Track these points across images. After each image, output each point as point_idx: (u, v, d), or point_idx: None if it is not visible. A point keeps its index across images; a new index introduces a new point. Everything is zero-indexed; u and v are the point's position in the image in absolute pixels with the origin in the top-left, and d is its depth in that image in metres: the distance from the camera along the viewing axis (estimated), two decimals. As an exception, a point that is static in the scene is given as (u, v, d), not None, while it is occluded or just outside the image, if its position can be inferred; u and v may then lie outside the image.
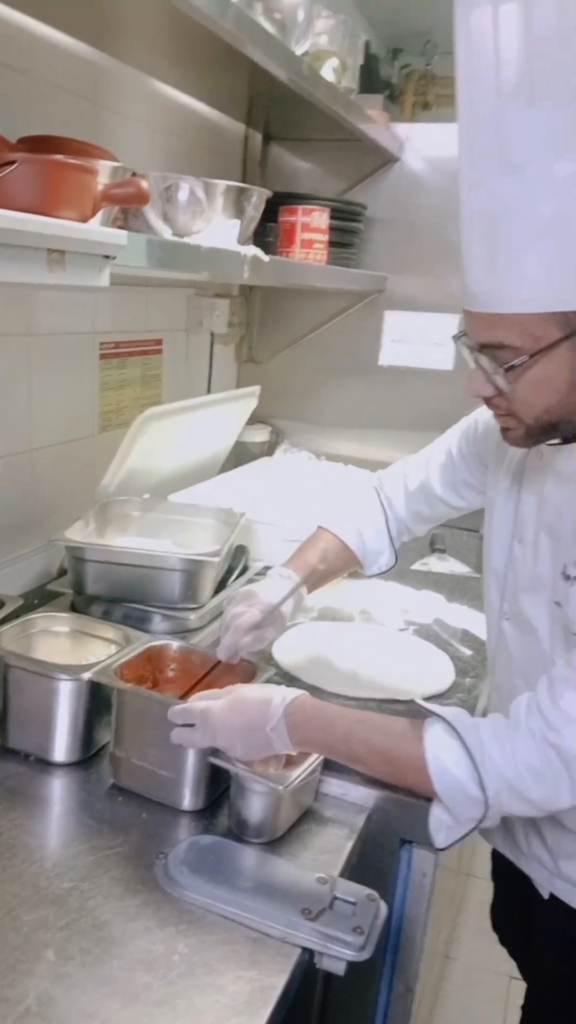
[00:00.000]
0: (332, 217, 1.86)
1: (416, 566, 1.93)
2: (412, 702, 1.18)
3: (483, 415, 1.19)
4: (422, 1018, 1.69)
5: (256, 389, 2.03)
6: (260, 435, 2.34)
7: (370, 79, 2.98)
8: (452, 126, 2.17)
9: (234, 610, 1.13)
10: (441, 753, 0.87)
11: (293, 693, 0.98)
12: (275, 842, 0.99)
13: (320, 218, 1.71)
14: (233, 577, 1.55)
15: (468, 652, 1.48)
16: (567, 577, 0.94)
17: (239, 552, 1.60)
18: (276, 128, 2.21)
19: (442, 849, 0.94)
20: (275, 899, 0.88)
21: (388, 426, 2.34)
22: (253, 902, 0.88)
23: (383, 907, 0.89)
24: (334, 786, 1.09)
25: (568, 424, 0.91)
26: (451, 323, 2.21)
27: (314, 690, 1.28)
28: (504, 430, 0.96)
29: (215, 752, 0.99)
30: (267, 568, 1.70)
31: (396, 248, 2.24)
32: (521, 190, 0.80)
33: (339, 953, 0.84)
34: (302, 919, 0.85)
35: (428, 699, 1.25)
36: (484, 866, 2.39)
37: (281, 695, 0.97)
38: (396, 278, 2.25)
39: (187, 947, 0.83)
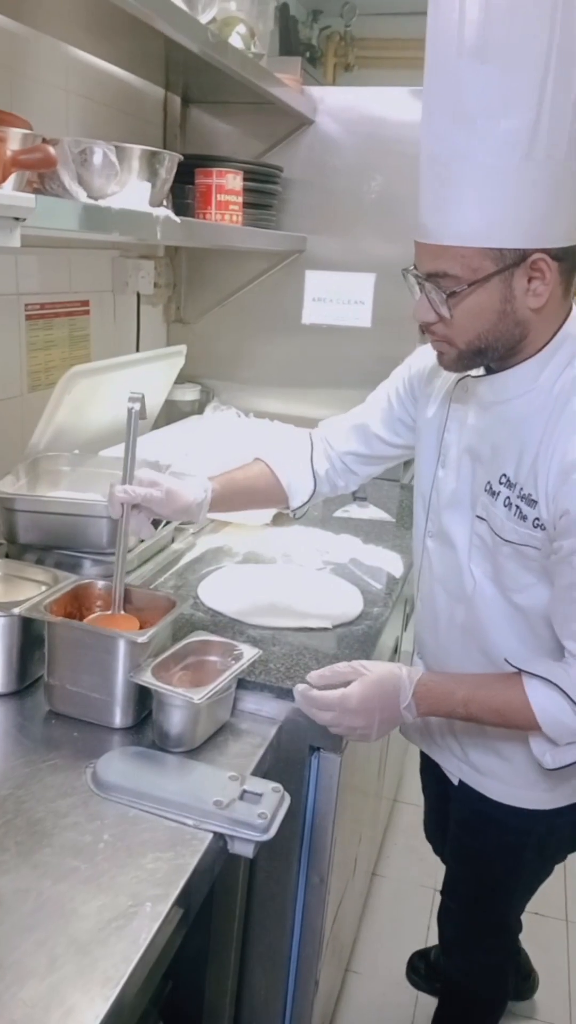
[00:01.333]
0: (248, 179, 1.94)
1: (338, 513, 2.04)
2: (325, 629, 1.37)
3: (414, 360, 1.32)
4: (350, 926, 1.85)
5: (182, 348, 2.11)
6: (190, 394, 2.42)
7: (289, 41, 3.03)
8: (364, 89, 2.25)
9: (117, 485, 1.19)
10: (543, 700, 1.05)
11: (414, 672, 1.12)
12: (194, 751, 1.11)
13: (234, 180, 1.78)
14: (162, 525, 1.65)
15: (378, 586, 1.61)
16: (492, 492, 1.08)
17: (165, 501, 1.69)
18: (195, 92, 2.26)
19: (552, 769, 1.12)
20: (191, 795, 1.00)
21: (312, 383, 2.44)
22: (172, 798, 0.99)
23: (287, 797, 1.01)
24: (249, 702, 1.21)
25: (494, 350, 1.04)
26: (368, 282, 2.31)
27: (235, 622, 1.40)
28: (440, 355, 1.08)
29: (137, 671, 1.09)
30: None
31: (314, 209, 2.32)
32: (469, 139, 0.92)
33: (247, 835, 0.96)
34: (214, 809, 0.97)
35: (338, 626, 1.40)
36: (409, 792, 2.58)
37: (407, 676, 1.10)
38: (315, 239, 2.34)
39: (112, 836, 0.94)
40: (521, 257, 0.95)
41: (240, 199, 1.81)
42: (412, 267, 1.05)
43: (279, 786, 1.02)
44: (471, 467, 1.14)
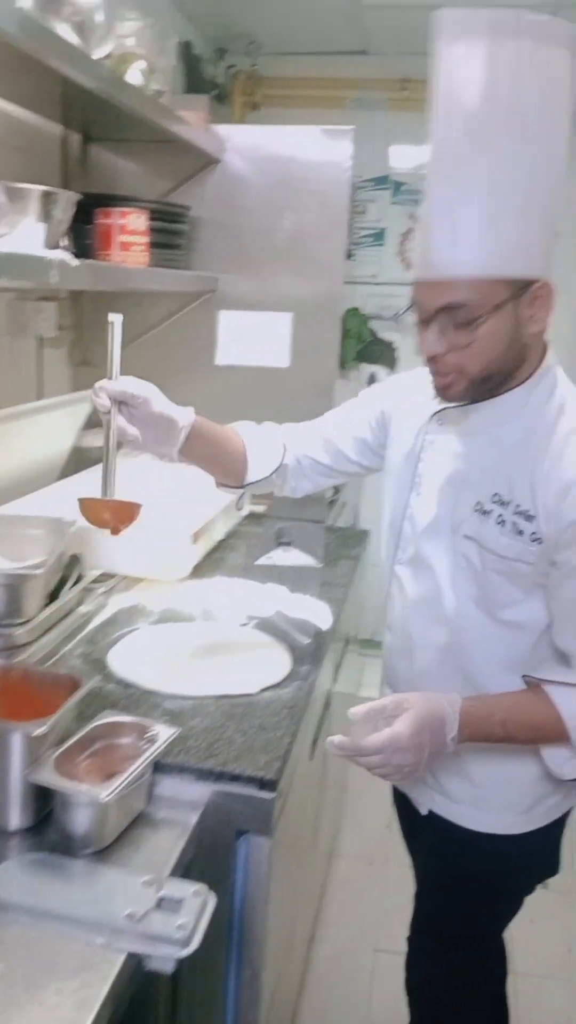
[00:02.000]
0: (154, 218, 1.86)
1: (261, 560, 1.96)
2: (250, 695, 1.30)
3: (386, 397, 1.39)
4: (288, 1003, 1.73)
5: (89, 393, 2.00)
6: (100, 439, 2.30)
7: (194, 79, 2.99)
8: (272, 128, 2.21)
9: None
10: (572, 707, 1.12)
11: (455, 700, 1.13)
12: (104, 851, 0.99)
13: (137, 220, 1.70)
14: (67, 587, 1.53)
15: (306, 640, 1.52)
16: (483, 512, 1.15)
17: (72, 562, 1.57)
18: (96, 129, 2.18)
19: (573, 779, 1.19)
20: (100, 907, 0.88)
21: (230, 423, 2.36)
22: (78, 914, 0.87)
23: (211, 899, 0.90)
24: (167, 787, 1.10)
25: (499, 376, 1.11)
26: (284, 321, 2.26)
27: (151, 694, 1.29)
28: (446, 387, 1.13)
29: (36, 766, 0.97)
30: (104, 575, 1.69)
31: (225, 249, 2.26)
32: (490, 168, 1.01)
33: (165, 952, 0.85)
34: (127, 924, 0.86)
35: (265, 690, 1.31)
36: (347, 844, 2.48)
37: (449, 705, 1.12)
38: (227, 278, 2.27)
39: (7, 966, 0.82)
40: (526, 285, 1.05)
41: (145, 239, 1.73)
42: (410, 308, 1.12)
43: (201, 888, 0.91)
44: (454, 492, 1.20)
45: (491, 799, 1.26)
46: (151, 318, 2.33)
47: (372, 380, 3.61)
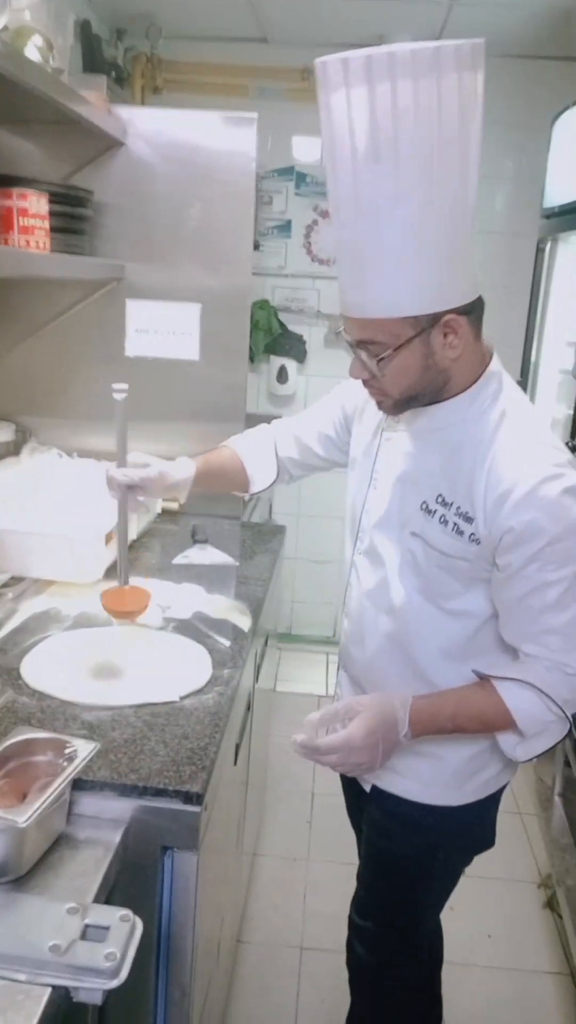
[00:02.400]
0: (55, 202, 1.76)
1: (177, 559, 1.90)
2: (172, 702, 1.27)
3: (348, 396, 1.45)
4: (218, 1004, 1.69)
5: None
6: (3, 434, 2.20)
7: (93, 60, 2.88)
8: (176, 112, 2.15)
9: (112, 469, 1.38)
10: (517, 701, 1.16)
11: (405, 699, 1.18)
12: (23, 879, 0.93)
13: (38, 203, 1.61)
14: (-27, 593, 1.44)
15: (226, 643, 1.48)
16: (428, 511, 1.19)
17: (-22, 566, 1.49)
18: (-9, 107, 2.06)
19: (524, 761, 1.24)
20: (22, 941, 0.82)
21: (140, 417, 2.25)
22: (-4, 950, 0.81)
23: (138, 925, 0.86)
24: (88, 805, 1.04)
25: (423, 396, 1.17)
26: (193, 312, 2.20)
27: (67, 705, 1.22)
28: (378, 403, 1.21)
29: (-55, 794, 0.90)
30: (12, 579, 1.60)
31: (131, 236, 2.18)
32: (373, 227, 1.04)
33: (93, 984, 0.80)
34: (51, 957, 0.80)
35: (186, 696, 1.26)
36: (269, 844, 2.46)
37: (400, 705, 1.17)
38: (134, 266, 2.19)
39: None
40: (434, 319, 1.08)
41: (46, 224, 1.64)
42: (342, 330, 1.17)
43: (128, 913, 0.86)
44: (403, 490, 1.24)
45: (429, 772, 1.31)
46: (56, 307, 2.23)
47: (282, 373, 3.58)
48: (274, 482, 1.57)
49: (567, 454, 1.14)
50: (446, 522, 1.17)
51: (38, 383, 2.27)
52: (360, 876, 1.51)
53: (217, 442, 2.30)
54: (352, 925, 1.53)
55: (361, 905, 1.51)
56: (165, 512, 2.20)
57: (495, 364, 1.19)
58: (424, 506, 1.20)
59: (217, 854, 1.34)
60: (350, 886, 1.53)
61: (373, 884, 1.48)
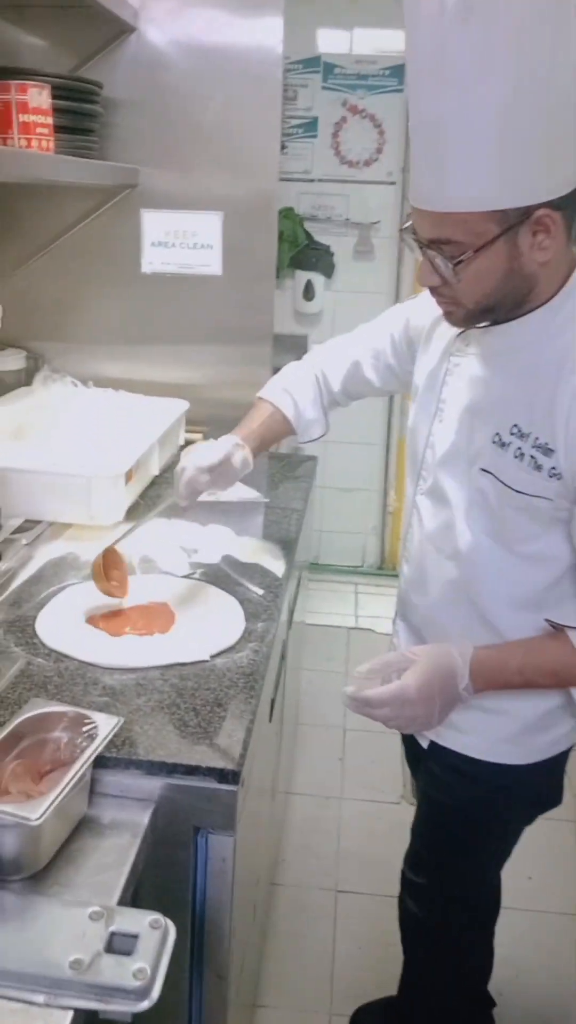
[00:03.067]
0: (60, 97, 1.57)
1: (203, 496, 1.76)
2: (203, 662, 1.15)
3: (413, 313, 1.29)
4: (252, 956, 1.64)
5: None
6: (13, 362, 2.05)
7: None
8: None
9: (181, 464, 1.30)
10: None
11: (466, 651, 1.07)
12: (39, 874, 0.83)
13: (40, 96, 1.42)
14: (-18, 539, 1.32)
15: (259, 591, 1.35)
16: (501, 444, 1.04)
17: (-13, 509, 1.36)
18: (-15, -10, 1.83)
19: None
20: (38, 954, 0.72)
21: (158, 340, 2.13)
22: (11, 965, 0.71)
23: (171, 931, 0.76)
24: (111, 784, 0.94)
25: (502, 307, 1.01)
26: (215, 222, 2.00)
27: (87, 668, 1.11)
28: (447, 313, 1.06)
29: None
30: (27, 523, 1.48)
31: (146, 136, 1.97)
32: (458, 103, 0.88)
33: (120, 1006, 0.70)
34: (72, 975, 0.70)
35: (216, 655, 1.15)
36: (301, 782, 2.40)
37: (459, 656, 1.07)
38: (150, 171, 1.99)
39: None
40: (525, 214, 0.92)
41: (50, 120, 1.45)
42: (411, 230, 1.01)
43: (158, 918, 0.76)
44: (471, 421, 1.11)
45: (495, 728, 1.20)
46: (65, 218, 2.04)
47: (308, 289, 3.36)
48: (325, 433, 1.45)
49: None
50: (522, 456, 1.03)
51: (47, 305, 2.10)
52: (415, 830, 1.42)
53: (243, 366, 2.16)
54: (405, 882, 1.45)
55: (416, 861, 1.42)
56: (189, 444, 2.05)
57: None
58: (497, 438, 1.05)
59: (253, 829, 1.25)
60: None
61: (430, 839, 1.39)
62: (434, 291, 1.03)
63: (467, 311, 1.03)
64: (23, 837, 0.79)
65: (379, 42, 3.13)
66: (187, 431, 2.05)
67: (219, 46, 1.91)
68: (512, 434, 1.04)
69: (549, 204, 0.92)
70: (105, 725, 0.90)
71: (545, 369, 1.01)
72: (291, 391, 1.41)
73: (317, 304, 3.39)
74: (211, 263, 2.04)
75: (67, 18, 1.86)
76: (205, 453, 1.29)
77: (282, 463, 2.08)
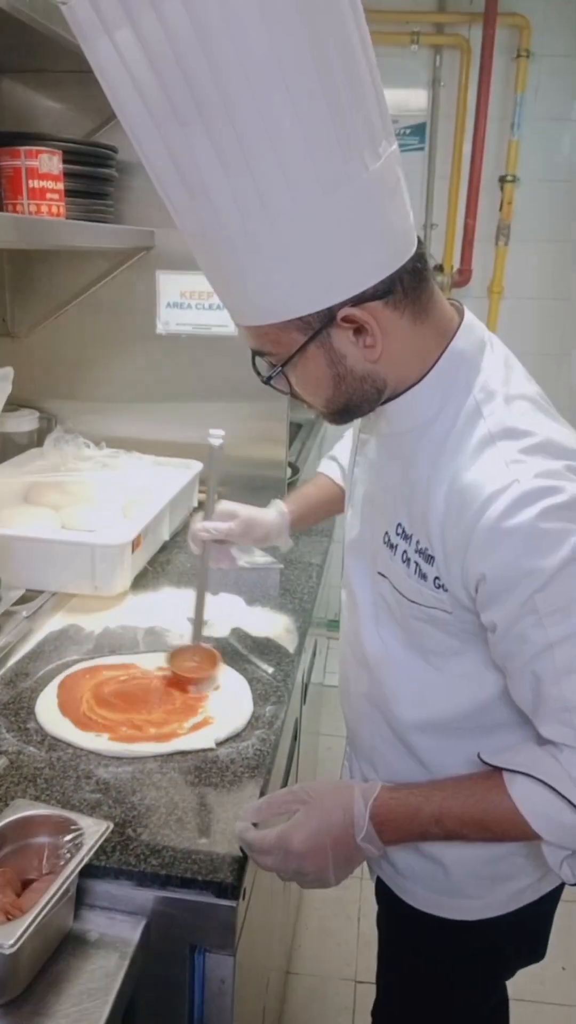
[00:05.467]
0: (73, 162, 1.56)
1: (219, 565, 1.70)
2: (209, 750, 1.07)
3: None
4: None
5: (8, 372, 1.70)
6: (26, 423, 2.02)
7: (122, 5, 2.64)
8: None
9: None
10: (535, 805, 0.83)
11: (368, 790, 0.89)
12: (18, 1000, 0.75)
13: (51, 162, 1.40)
14: None
15: (269, 670, 1.28)
16: (390, 545, 0.92)
17: (-14, 581, 1.31)
18: (6, 59, 1.84)
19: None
20: None
21: (173, 399, 2.09)
22: None
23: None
24: (100, 895, 0.86)
25: (360, 406, 0.88)
26: (231, 282, 1.98)
27: (83, 756, 1.04)
28: (318, 414, 0.94)
29: None
30: (28, 593, 1.42)
31: (161, 199, 1.96)
32: (211, 210, 0.76)
33: None
34: None
35: (222, 743, 1.08)
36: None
37: (360, 797, 0.89)
38: (166, 232, 1.97)
39: None
40: (328, 317, 0.79)
41: (60, 186, 1.44)
42: None
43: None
44: (371, 512, 0.99)
45: (434, 879, 1.02)
46: (80, 280, 2.03)
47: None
48: None
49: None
50: (408, 561, 0.89)
51: (61, 365, 2.08)
52: (377, 979, 1.25)
53: (259, 423, 2.12)
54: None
55: (378, 1009, 1.26)
56: (203, 505, 2.00)
57: (462, 339, 0.86)
58: (387, 538, 0.92)
59: (260, 938, 1.15)
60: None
61: (387, 992, 1.24)
62: (291, 395, 0.92)
63: (324, 413, 0.91)
64: (-4, 965, 0.71)
65: (400, 101, 3.14)
66: (202, 491, 2.00)
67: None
68: (398, 535, 0.91)
69: (359, 299, 0.78)
70: (92, 832, 0.83)
71: (421, 462, 0.87)
72: (336, 456, 1.36)
73: (337, 359, 3.37)
74: (227, 323, 2.00)
75: (85, 83, 1.85)
76: (215, 525, 1.25)
77: (299, 525, 2.02)
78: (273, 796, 0.92)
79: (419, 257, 0.82)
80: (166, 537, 1.72)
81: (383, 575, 0.94)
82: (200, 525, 1.23)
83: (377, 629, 0.98)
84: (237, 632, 1.40)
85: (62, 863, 0.80)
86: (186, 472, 1.87)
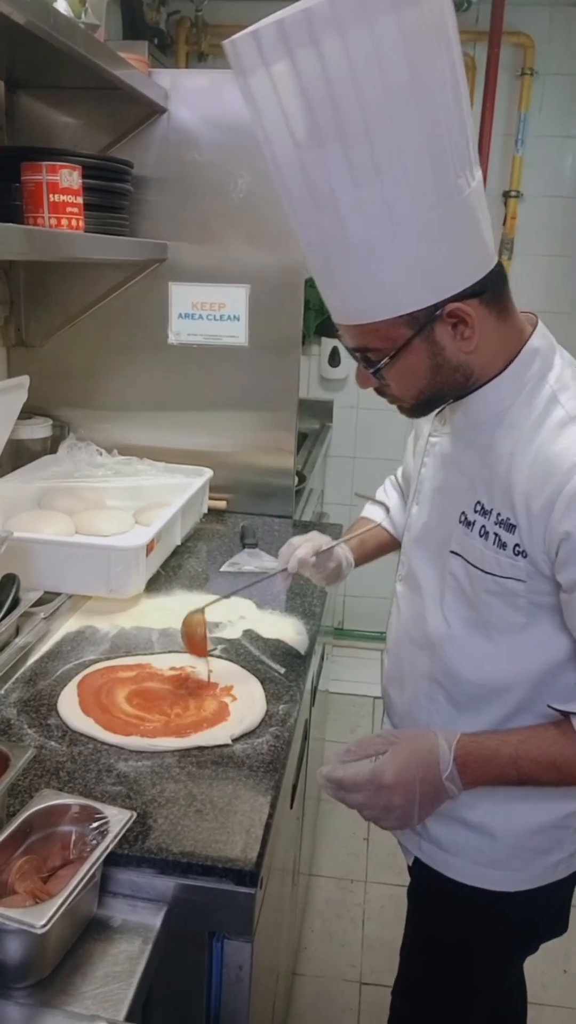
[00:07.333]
0: (90, 177, 1.60)
1: (225, 567, 1.74)
2: (225, 746, 1.11)
3: None
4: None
5: (24, 380, 1.74)
6: (40, 430, 2.06)
7: (134, 26, 2.70)
8: (222, 73, 1.95)
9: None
10: None
11: (451, 735, 0.98)
12: (45, 982, 0.78)
13: (71, 177, 1.45)
14: (0, 613, 1.30)
15: (281, 670, 1.32)
16: (467, 523, 1.01)
17: (6, 583, 1.34)
18: (23, 75, 1.89)
19: None
20: (39, 1079, 0.67)
21: (184, 407, 2.13)
22: None
23: (182, 1055, 0.71)
24: (122, 882, 0.89)
25: (444, 396, 1.01)
26: (241, 295, 2.02)
27: (104, 749, 1.07)
28: (398, 408, 1.06)
29: None
30: (45, 595, 1.46)
31: (175, 212, 2.01)
32: (336, 222, 0.88)
33: None
34: None
35: (237, 739, 1.11)
36: (324, 863, 2.31)
37: (443, 740, 0.98)
38: (178, 245, 2.02)
39: None
40: (434, 312, 0.91)
41: (79, 199, 1.48)
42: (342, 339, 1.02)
43: (169, 1040, 0.71)
44: (442, 501, 1.09)
45: (481, 850, 1.10)
46: (94, 291, 2.07)
47: (334, 355, 3.39)
48: None
49: None
50: (486, 534, 0.98)
51: (75, 374, 2.12)
52: (402, 955, 1.32)
53: (268, 432, 2.16)
54: (394, 1011, 1.34)
55: (404, 989, 1.32)
56: (212, 511, 2.04)
57: (538, 339, 0.99)
58: (463, 517, 1.02)
59: (273, 926, 1.19)
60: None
61: (412, 966, 1.29)
62: (377, 391, 1.03)
63: (411, 404, 1.02)
64: (28, 944, 0.75)
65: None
66: (212, 498, 2.04)
67: (247, 123, 1.94)
68: (476, 512, 1.00)
69: (459, 297, 0.91)
70: (117, 820, 0.86)
71: (504, 441, 0.98)
72: (382, 500, 1.42)
73: (343, 370, 3.41)
74: (238, 334, 2.05)
75: (100, 99, 1.91)
76: (319, 540, 1.31)
77: (306, 529, 2.05)
78: (362, 739, 1.01)
79: (500, 264, 0.95)
80: (178, 541, 1.76)
81: (456, 553, 1.04)
82: (296, 557, 1.27)
83: (442, 610, 1.06)
84: (249, 634, 1.43)
85: (88, 850, 0.83)
86: (197, 479, 1.91)
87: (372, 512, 1.41)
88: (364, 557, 1.38)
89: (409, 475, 1.30)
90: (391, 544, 1.38)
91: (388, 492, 1.42)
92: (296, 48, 0.81)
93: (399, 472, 1.41)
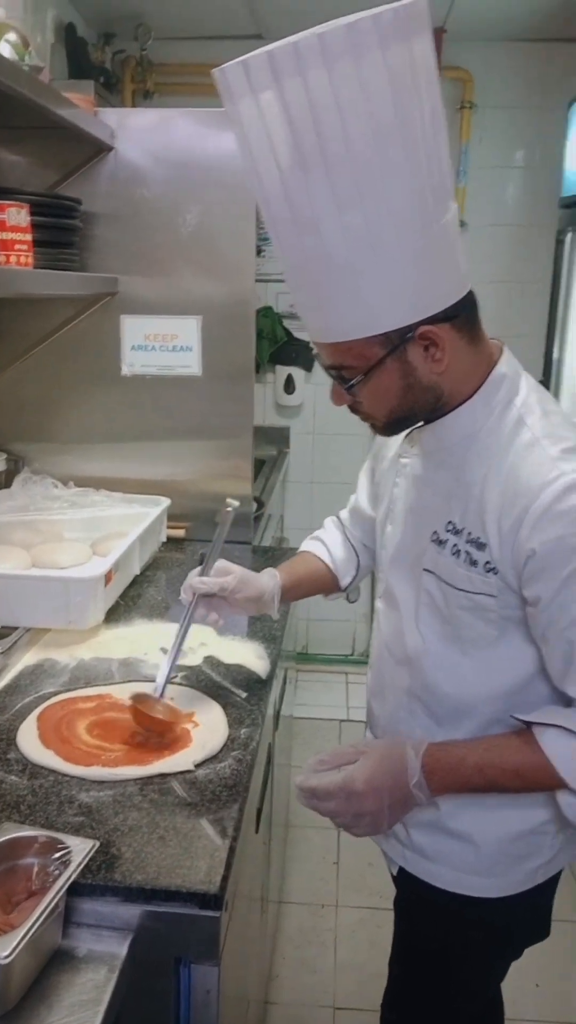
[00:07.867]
0: (40, 214, 1.62)
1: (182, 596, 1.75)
2: (187, 772, 1.11)
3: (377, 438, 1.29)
4: None
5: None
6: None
7: (79, 65, 2.74)
8: (168, 110, 1.99)
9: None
10: (562, 751, 0.97)
11: (418, 744, 1.02)
12: (11, 1014, 0.78)
13: (19, 215, 1.47)
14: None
15: (242, 694, 1.33)
16: (439, 542, 1.05)
17: (-37, 618, 1.34)
18: (-31, 115, 1.92)
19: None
20: None
21: (140, 438, 2.15)
22: None
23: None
24: (86, 912, 0.89)
25: (416, 416, 1.05)
26: (193, 326, 2.05)
27: (64, 781, 1.07)
28: (370, 426, 1.09)
29: None
30: (2, 630, 1.45)
31: (124, 247, 2.03)
32: (318, 244, 0.91)
33: None
34: None
35: (200, 764, 1.12)
36: (297, 888, 2.30)
37: (411, 747, 1.01)
38: (129, 279, 2.05)
39: None
40: (407, 333, 0.95)
41: (28, 237, 1.50)
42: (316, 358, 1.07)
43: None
44: (415, 521, 1.12)
45: (462, 857, 1.13)
46: (46, 326, 2.09)
47: (289, 383, 3.43)
48: (358, 568, 1.39)
49: None
50: (458, 552, 1.02)
51: (29, 407, 2.13)
52: (390, 964, 1.34)
53: (224, 460, 2.19)
54: (382, 1020, 1.36)
55: (390, 998, 1.34)
56: (171, 540, 2.05)
57: (505, 364, 1.04)
58: (435, 536, 1.06)
59: (241, 952, 1.19)
60: (383, 935, 1.39)
61: (402, 977, 1.31)
62: (351, 409, 1.06)
63: (383, 423, 1.06)
64: (-10, 978, 0.74)
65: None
66: (170, 526, 2.05)
67: (195, 159, 1.99)
68: (448, 531, 1.04)
69: (432, 320, 0.94)
70: (79, 850, 0.86)
71: (474, 462, 1.02)
72: (320, 536, 1.43)
73: (298, 397, 3.46)
74: (191, 364, 2.07)
75: (48, 138, 1.94)
76: (211, 580, 1.25)
77: (266, 555, 2.08)
78: (334, 749, 1.05)
79: (471, 292, 0.99)
80: (137, 571, 1.76)
81: (429, 571, 1.07)
82: (197, 579, 1.24)
83: (417, 626, 1.10)
84: (210, 660, 1.44)
85: (51, 880, 0.83)
86: (154, 508, 1.92)
87: (309, 545, 1.43)
88: (296, 583, 1.35)
89: (362, 504, 1.36)
90: (324, 573, 1.39)
91: (328, 528, 1.43)
92: (284, 78, 0.84)
93: (343, 513, 1.43)
